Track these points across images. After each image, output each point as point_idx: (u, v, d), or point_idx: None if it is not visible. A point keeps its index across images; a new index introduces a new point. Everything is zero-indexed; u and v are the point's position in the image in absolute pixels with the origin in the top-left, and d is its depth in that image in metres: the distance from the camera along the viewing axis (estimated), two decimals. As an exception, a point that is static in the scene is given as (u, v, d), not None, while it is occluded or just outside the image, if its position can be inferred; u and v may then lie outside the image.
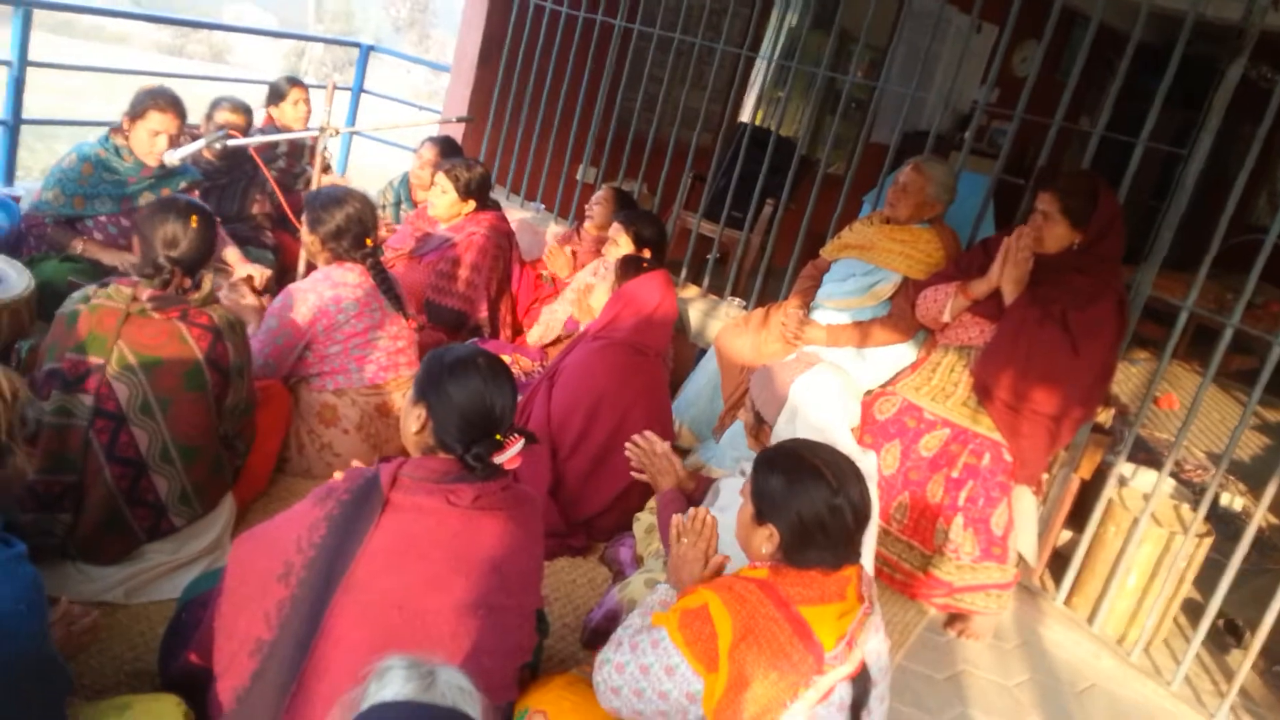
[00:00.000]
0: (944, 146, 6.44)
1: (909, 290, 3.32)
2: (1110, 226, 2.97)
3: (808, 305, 3.59)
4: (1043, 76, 3.56)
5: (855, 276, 3.48)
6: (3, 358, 3.06)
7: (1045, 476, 3.18)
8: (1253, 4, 3.06)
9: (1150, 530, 3.13)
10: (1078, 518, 3.39)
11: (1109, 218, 2.97)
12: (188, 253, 2.52)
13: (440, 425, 1.93)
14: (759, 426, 2.69)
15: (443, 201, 3.99)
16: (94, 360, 2.37)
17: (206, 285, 2.54)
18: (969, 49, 3.93)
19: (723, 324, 3.87)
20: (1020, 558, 3.06)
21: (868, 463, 2.68)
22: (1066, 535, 3.51)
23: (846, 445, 2.68)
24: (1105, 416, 3.65)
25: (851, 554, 1.79)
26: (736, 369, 3.57)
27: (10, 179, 4.53)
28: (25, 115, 4.59)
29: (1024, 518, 3.00)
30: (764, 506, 1.81)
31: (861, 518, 1.79)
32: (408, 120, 5.46)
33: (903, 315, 3.33)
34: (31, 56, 4.50)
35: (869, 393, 3.25)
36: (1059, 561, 3.43)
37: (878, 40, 6.42)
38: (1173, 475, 3.26)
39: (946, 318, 3.14)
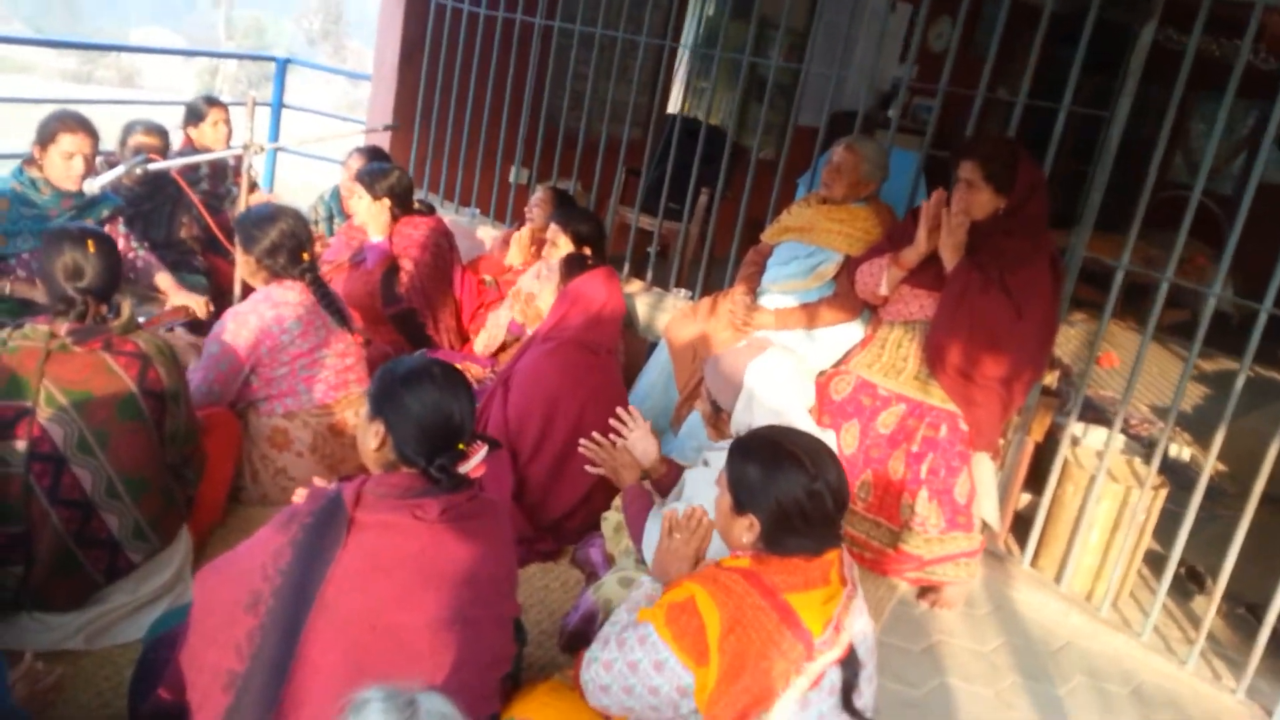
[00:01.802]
0: (870, 125, 6.51)
1: (851, 268, 3.35)
2: (1034, 190, 3.04)
3: (754, 291, 3.60)
4: (959, 51, 3.61)
5: (798, 259, 3.50)
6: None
7: (1001, 442, 3.23)
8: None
9: (1107, 487, 3.19)
10: (1035, 480, 3.45)
11: (1032, 181, 3.03)
12: (95, 280, 2.42)
13: (400, 439, 1.89)
14: (717, 415, 2.69)
15: (360, 207, 3.93)
16: (21, 404, 2.27)
17: (126, 311, 2.45)
18: (886, 29, 3.97)
19: (671, 316, 3.86)
20: (985, 524, 3.10)
21: (827, 441, 2.69)
22: (1026, 498, 3.58)
23: (805, 426, 2.69)
24: (1050, 378, 3.72)
25: (832, 538, 1.79)
26: (689, 359, 3.56)
27: (-81, 220, 4.34)
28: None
29: (985, 484, 3.05)
30: (742, 496, 1.80)
31: (841, 501, 1.79)
32: (332, 132, 5.36)
33: (848, 294, 3.36)
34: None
35: (823, 373, 3.27)
36: (1021, 524, 3.49)
37: (797, 24, 6.47)
38: (1121, 431, 3.33)
39: (884, 291, 3.17)
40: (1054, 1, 3.28)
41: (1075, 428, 3.42)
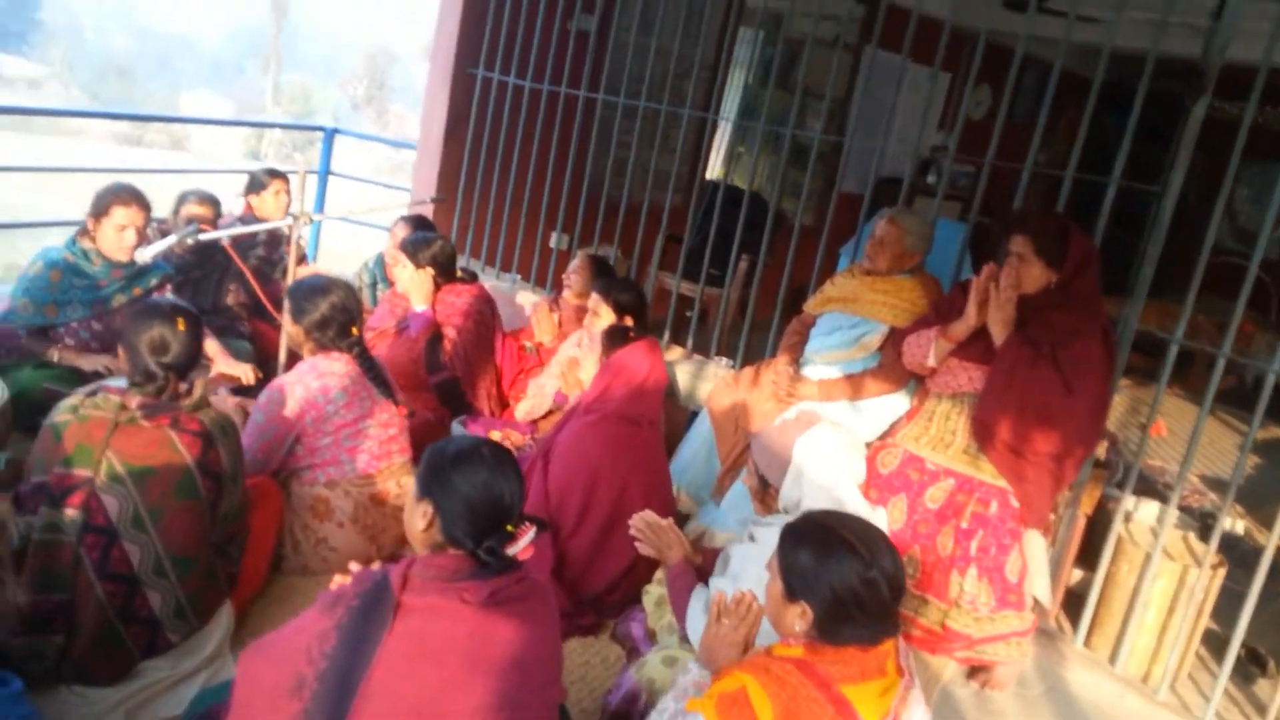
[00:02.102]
0: (912, 192, 6.53)
1: (897, 340, 3.32)
2: (1086, 264, 3.00)
3: (797, 361, 3.58)
4: (994, 117, 3.62)
5: (842, 330, 3.48)
6: (-22, 473, 2.98)
7: (1051, 517, 3.16)
8: (1211, 42, 3.12)
9: (1163, 565, 3.10)
10: (1087, 555, 3.37)
11: (1083, 256, 2.99)
12: (179, 357, 2.47)
13: (448, 520, 1.88)
14: (764, 490, 2.67)
15: (404, 274, 3.96)
16: (81, 473, 2.30)
17: (198, 390, 2.48)
18: (927, 97, 3.99)
19: (712, 385, 3.84)
20: (1036, 602, 3.02)
21: (877, 519, 2.65)
22: (1078, 575, 3.48)
23: (855, 502, 2.66)
24: (1100, 449, 3.64)
25: (889, 627, 1.74)
26: (731, 429, 3.53)
27: (-25, 284, 4.45)
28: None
29: (1036, 562, 2.97)
30: (794, 583, 1.77)
31: (897, 589, 1.75)
32: (378, 201, 5.45)
33: (893, 365, 3.32)
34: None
35: (868, 445, 3.22)
36: (1074, 601, 3.40)
37: (838, 92, 6.52)
38: (1167, 502, 3.25)
39: (931, 362, 3.13)
40: (1102, 72, 3.27)
41: (1127, 501, 3.34)
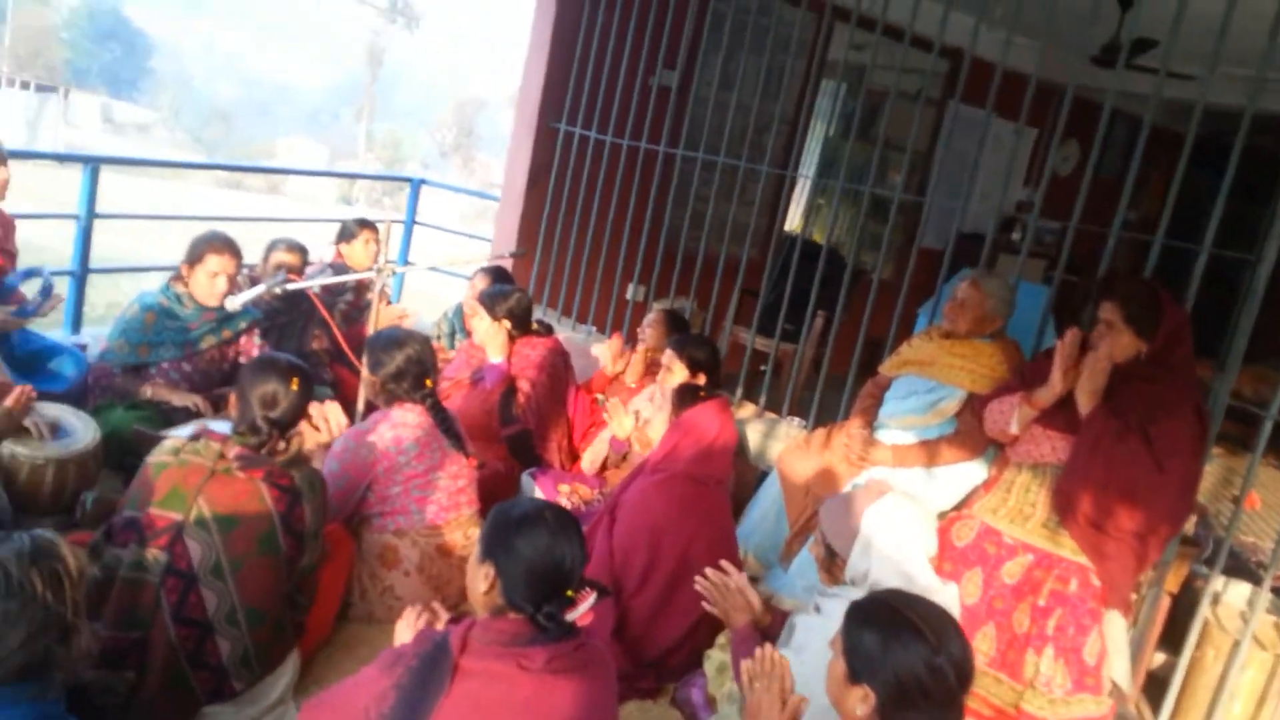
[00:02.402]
0: (995, 250, 6.42)
1: (975, 406, 3.24)
2: (1179, 336, 2.88)
3: (870, 424, 3.51)
4: (1082, 172, 3.54)
5: (918, 394, 3.40)
6: (67, 509, 3.09)
7: (1134, 596, 3.03)
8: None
9: (1253, 654, 2.95)
10: (1170, 637, 3.21)
11: (1176, 327, 2.88)
12: (286, 414, 2.54)
13: (509, 584, 1.88)
14: (831, 560, 2.61)
15: (480, 327, 4.02)
16: (172, 516, 2.37)
17: (295, 446, 2.54)
18: (1012, 153, 3.93)
19: (783, 445, 3.80)
20: (1115, 686, 2.89)
21: (949, 594, 2.58)
22: (1160, 658, 3.32)
23: (925, 577, 2.58)
24: (1188, 523, 3.49)
25: (954, 716, 1.68)
26: (801, 493, 3.48)
27: (78, 327, 4.66)
28: (92, 258, 4.74)
29: (1116, 644, 2.85)
30: (857, 665, 1.72)
31: (965, 677, 1.69)
32: (459, 249, 5.56)
33: (971, 432, 3.24)
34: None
35: (942, 515, 3.14)
36: (1155, 687, 3.24)
37: (920, 146, 6.47)
38: (1259, 583, 3.09)
39: (1014, 430, 3.04)
40: (1195, 128, 3.18)
41: (1216, 581, 3.18)
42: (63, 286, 4.73)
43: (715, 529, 3.09)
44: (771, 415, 4.33)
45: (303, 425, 3.52)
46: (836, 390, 4.08)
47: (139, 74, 46.15)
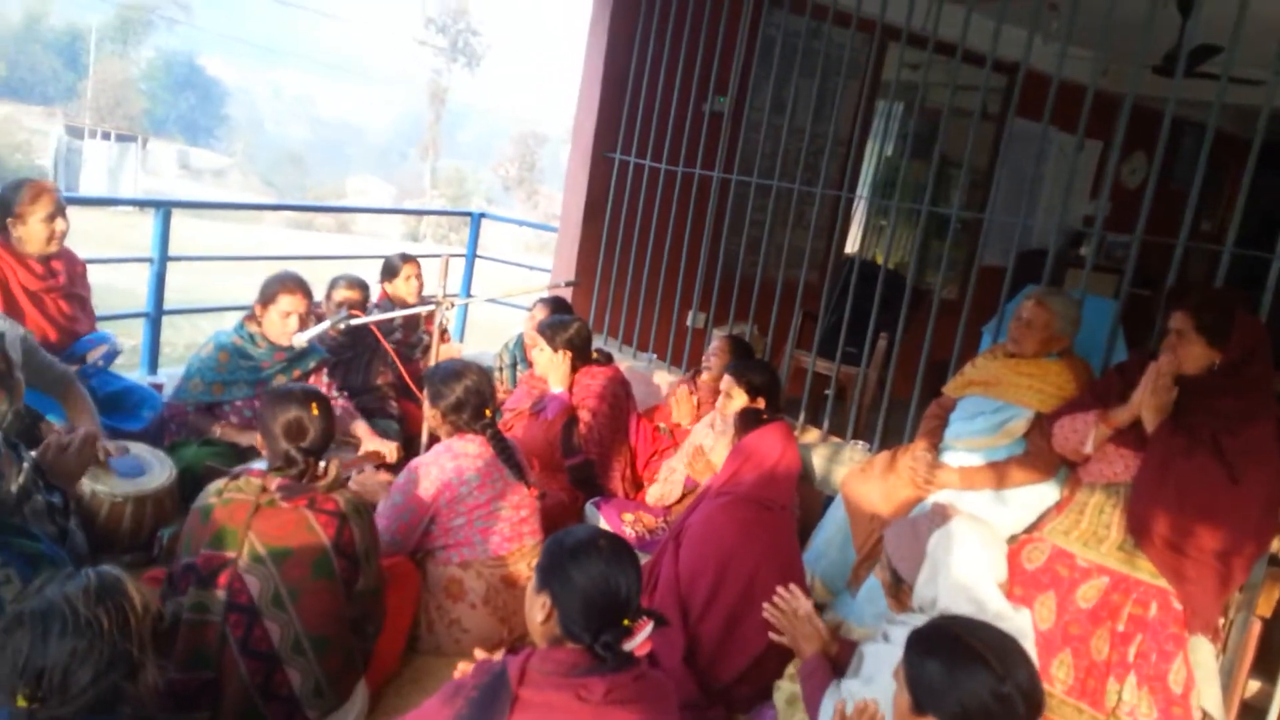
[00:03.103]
0: (1060, 265, 6.27)
1: (1044, 426, 3.16)
2: (1256, 348, 2.78)
3: (936, 447, 3.44)
4: (1154, 183, 3.44)
5: (984, 414, 3.33)
6: (145, 546, 3.17)
7: (1221, 621, 2.91)
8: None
9: (1353, 679, 2.80)
10: (1264, 664, 3.07)
11: (1252, 337, 2.78)
12: (315, 440, 2.58)
13: (565, 613, 1.88)
14: (898, 586, 2.55)
15: (541, 359, 4.04)
16: (226, 554, 2.42)
17: (333, 470, 2.58)
18: (1073, 166, 3.85)
19: (848, 469, 3.74)
20: (1205, 715, 2.77)
21: (1021, 620, 2.50)
22: (1255, 686, 3.18)
23: (995, 603, 2.51)
24: (1278, 543, 3.35)
25: (1024, 749, 1.63)
26: (867, 518, 3.42)
27: (155, 368, 4.80)
28: (166, 299, 4.89)
29: (1204, 671, 2.73)
30: (922, 696, 1.68)
31: (1034, 706, 1.63)
32: (518, 282, 5.62)
33: (1040, 453, 3.16)
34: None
35: (1013, 539, 3.06)
36: (1251, 716, 3.10)
37: (979, 162, 6.38)
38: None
39: (1089, 449, 2.96)
40: (1261, 133, 3.09)
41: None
42: (138, 328, 4.91)
43: (781, 554, 3.05)
44: (836, 439, 4.28)
45: (367, 460, 3.60)
46: (901, 413, 4.02)
47: (214, 121, 47.85)
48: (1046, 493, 3.20)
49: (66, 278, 3.67)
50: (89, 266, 3.84)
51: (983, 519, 2.59)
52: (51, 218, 3.50)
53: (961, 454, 3.35)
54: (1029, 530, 3.14)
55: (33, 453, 2.37)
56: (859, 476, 3.56)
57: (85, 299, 3.79)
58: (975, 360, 3.50)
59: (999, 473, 3.22)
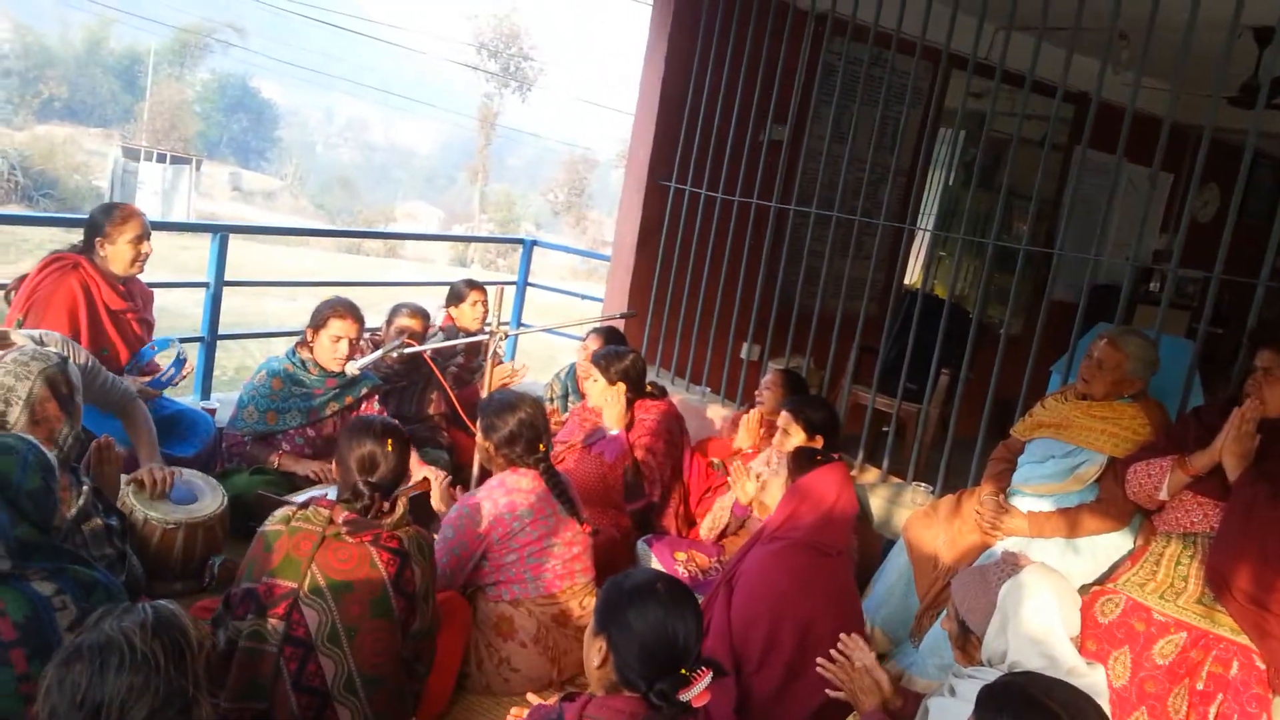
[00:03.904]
0: (1132, 302, 6.12)
1: (1118, 471, 3.04)
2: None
3: (1003, 490, 3.33)
4: (1223, 217, 3.33)
5: (1054, 458, 3.21)
6: (196, 574, 3.16)
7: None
8: None
9: None
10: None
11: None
12: (386, 476, 2.56)
13: (622, 659, 1.83)
14: (965, 637, 2.45)
15: (594, 390, 3.99)
16: (287, 584, 2.39)
17: (400, 509, 2.55)
18: (1147, 199, 3.73)
19: (909, 512, 3.63)
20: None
21: (1095, 676, 2.38)
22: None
23: (1070, 658, 2.40)
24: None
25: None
26: (930, 564, 3.31)
27: (208, 393, 4.82)
28: (221, 323, 4.91)
29: (1291, 735, 2.59)
30: (994, 758, 1.58)
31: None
32: (567, 309, 5.60)
33: (1114, 500, 3.04)
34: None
35: (1084, 589, 2.94)
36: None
37: (1047, 193, 6.24)
38: None
39: (1164, 496, 2.85)
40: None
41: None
42: (193, 353, 4.93)
43: (840, 602, 2.94)
44: (896, 480, 4.16)
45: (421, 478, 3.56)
46: (964, 453, 3.90)
47: (266, 143, 48.89)
48: (1119, 542, 3.09)
49: (140, 301, 3.72)
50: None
51: (1056, 569, 2.47)
52: (138, 240, 3.57)
53: (1030, 499, 3.24)
54: (1101, 580, 3.02)
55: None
56: (922, 520, 3.45)
57: (152, 325, 3.84)
58: (1045, 401, 3.39)
59: (1070, 520, 3.10)
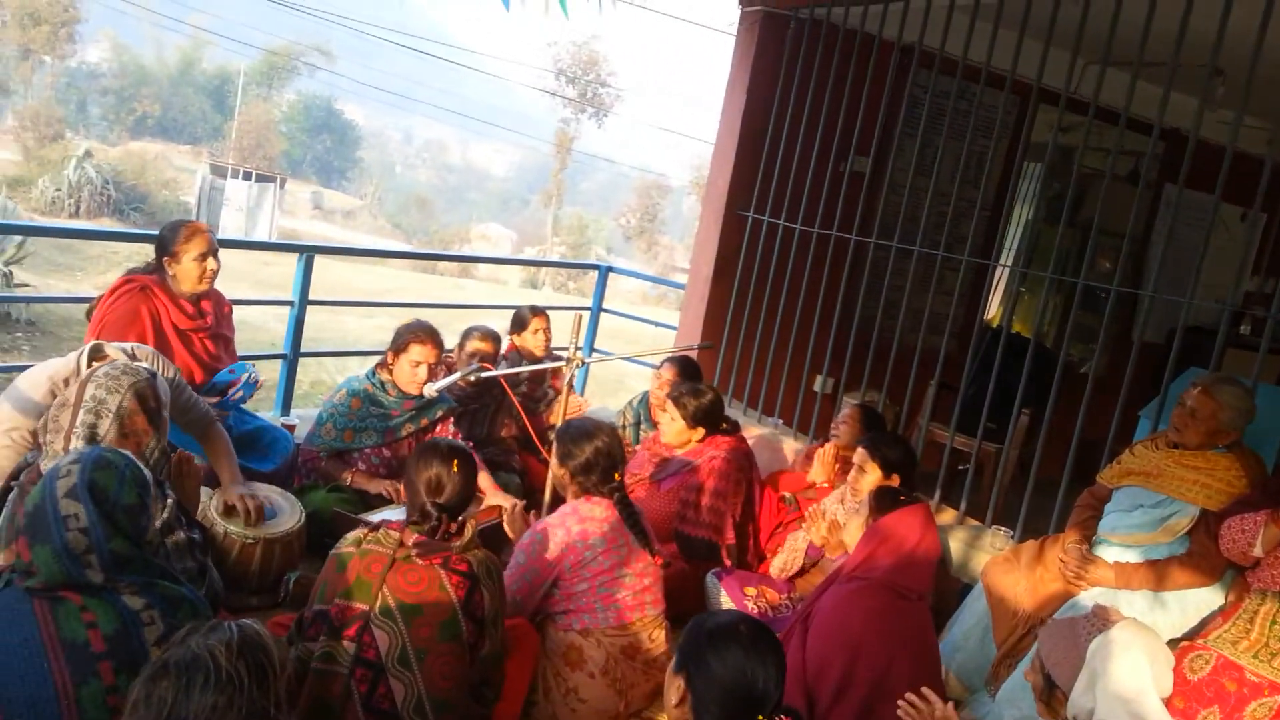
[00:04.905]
0: (1223, 346, 5.92)
1: (1211, 525, 2.92)
2: None
3: (1088, 539, 3.22)
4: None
5: (1144, 508, 3.10)
6: (272, 588, 3.20)
7: None
8: None
9: None
10: None
11: None
12: (452, 498, 2.57)
13: (699, 701, 1.80)
14: (1050, 692, 2.37)
15: (671, 429, 3.96)
16: (359, 606, 2.40)
17: (469, 531, 2.55)
18: (1244, 240, 3.61)
19: (987, 556, 3.54)
20: None
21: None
22: None
23: (1158, 718, 2.31)
24: None
25: None
26: (1010, 612, 3.21)
27: (287, 409, 4.91)
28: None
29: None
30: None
31: None
32: (638, 335, 5.58)
33: (1205, 554, 2.92)
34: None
35: (1172, 643, 2.82)
36: None
37: (1135, 230, 6.08)
38: None
39: (1258, 552, 2.73)
40: None
41: None
42: (274, 369, 5.04)
43: (917, 647, 2.87)
44: (974, 522, 4.06)
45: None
46: (1047, 496, 3.79)
47: (347, 163, 50.17)
48: (1209, 597, 2.97)
49: (214, 318, 3.78)
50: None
51: (1149, 627, 2.38)
52: (204, 257, 3.63)
53: (1117, 549, 3.13)
54: (1190, 635, 2.90)
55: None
56: (1002, 566, 3.36)
57: (229, 339, 3.90)
58: (1134, 448, 3.29)
59: (1158, 572, 2.99)
